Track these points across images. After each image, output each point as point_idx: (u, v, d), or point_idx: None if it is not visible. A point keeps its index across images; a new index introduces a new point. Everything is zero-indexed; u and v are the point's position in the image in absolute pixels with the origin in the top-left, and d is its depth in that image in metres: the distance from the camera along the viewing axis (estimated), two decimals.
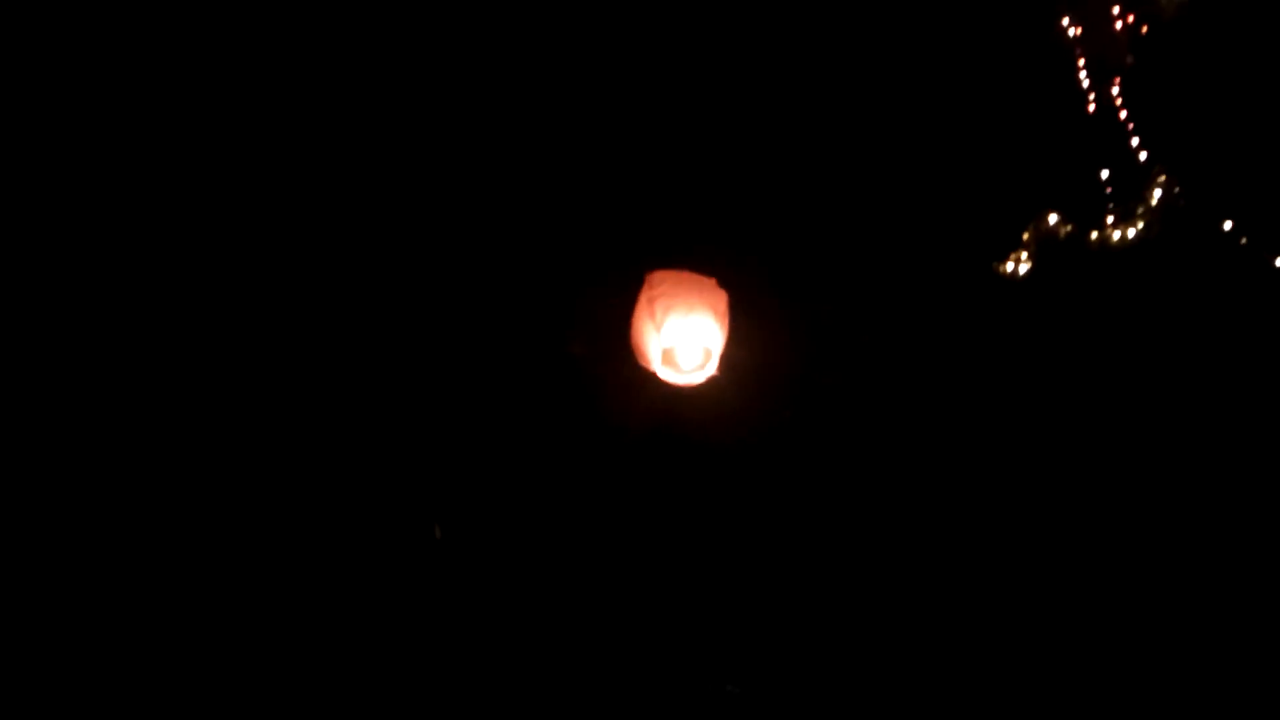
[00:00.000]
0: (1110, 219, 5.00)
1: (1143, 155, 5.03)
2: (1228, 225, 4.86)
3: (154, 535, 4.56)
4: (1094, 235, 4.96)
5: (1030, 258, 4.99)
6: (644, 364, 3.87)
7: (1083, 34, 5.18)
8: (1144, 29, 5.07)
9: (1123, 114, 5.09)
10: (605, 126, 4.68)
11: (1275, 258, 4.76)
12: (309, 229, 4.69)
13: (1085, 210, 5.00)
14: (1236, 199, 4.90)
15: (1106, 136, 5.09)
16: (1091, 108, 5.13)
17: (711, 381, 3.91)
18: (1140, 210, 4.93)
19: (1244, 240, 4.83)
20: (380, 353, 4.55)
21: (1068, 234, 4.96)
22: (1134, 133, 5.06)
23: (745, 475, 4.30)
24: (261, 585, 4.46)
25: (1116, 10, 5.09)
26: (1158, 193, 4.91)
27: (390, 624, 4.29)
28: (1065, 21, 5.20)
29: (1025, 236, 5.00)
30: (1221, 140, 5.02)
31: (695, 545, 4.22)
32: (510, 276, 4.43)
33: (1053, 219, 4.99)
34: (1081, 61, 5.15)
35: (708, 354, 3.85)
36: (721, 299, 3.90)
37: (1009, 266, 5.01)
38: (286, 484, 4.48)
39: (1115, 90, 5.11)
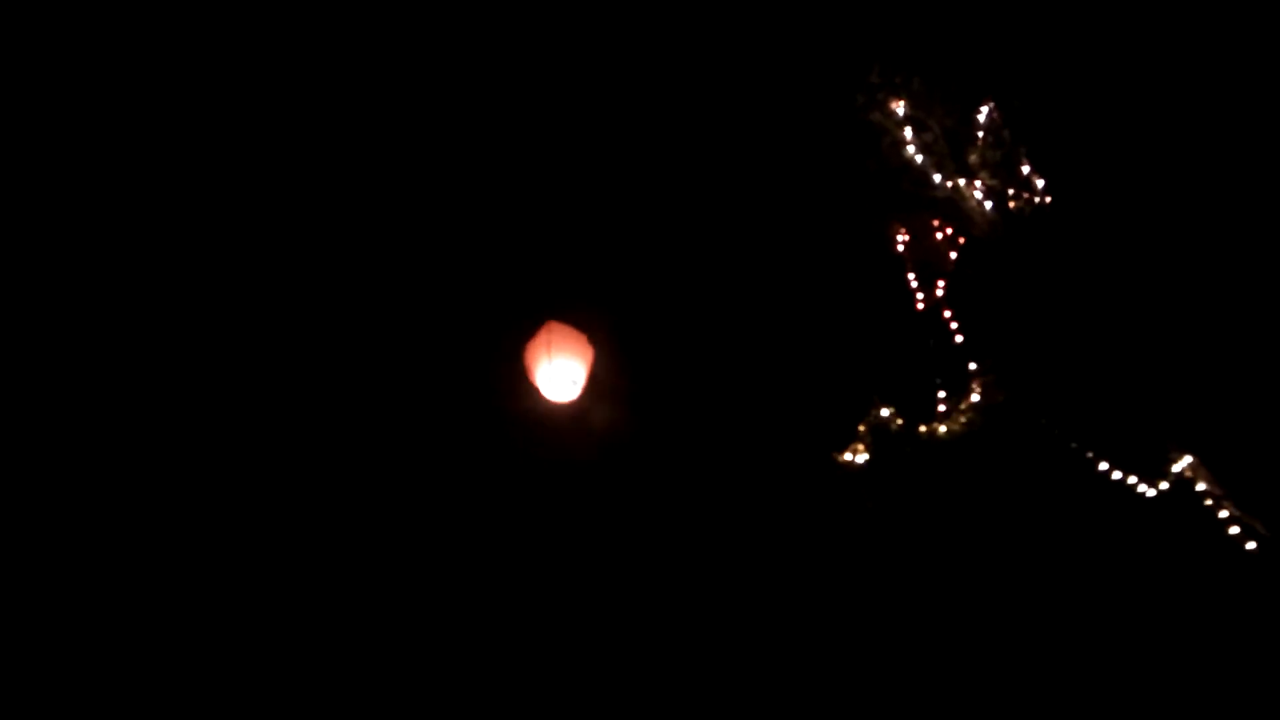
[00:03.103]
0: (939, 412, 5.40)
1: (965, 353, 5.47)
2: (1043, 421, 5.28)
3: (152, 534, 4.81)
4: (923, 429, 5.35)
5: (866, 449, 5.35)
6: (533, 382, 5.24)
7: (910, 243, 5.66)
8: (961, 240, 5.57)
9: (947, 313, 5.55)
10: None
11: (1089, 453, 5.17)
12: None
13: (915, 406, 5.40)
14: (1052, 396, 5.35)
15: (933, 336, 5.53)
16: (919, 307, 5.59)
17: (578, 400, 5.28)
18: (964, 406, 5.34)
19: (1059, 435, 5.26)
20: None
21: (899, 428, 5.35)
22: (957, 332, 5.51)
23: (598, 467, 5.50)
24: (248, 586, 4.88)
25: (937, 223, 5.59)
26: (976, 393, 5.33)
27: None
28: (894, 231, 5.69)
29: (861, 429, 5.37)
30: (1036, 339, 5.48)
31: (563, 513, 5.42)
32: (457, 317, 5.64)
33: (885, 413, 5.37)
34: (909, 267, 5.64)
35: (575, 381, 5.23)
36: (589, 347, 5.29)
37: (847, 456, 5.37)
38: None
39: (939, 292, 5.58)
